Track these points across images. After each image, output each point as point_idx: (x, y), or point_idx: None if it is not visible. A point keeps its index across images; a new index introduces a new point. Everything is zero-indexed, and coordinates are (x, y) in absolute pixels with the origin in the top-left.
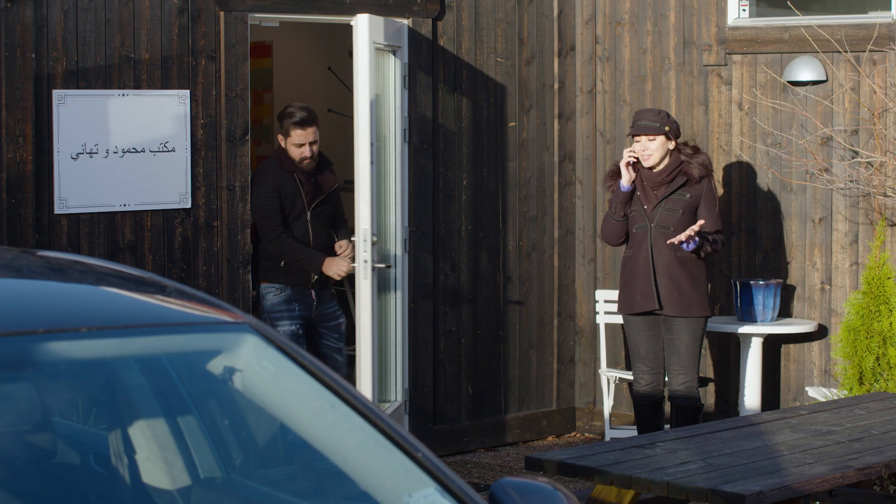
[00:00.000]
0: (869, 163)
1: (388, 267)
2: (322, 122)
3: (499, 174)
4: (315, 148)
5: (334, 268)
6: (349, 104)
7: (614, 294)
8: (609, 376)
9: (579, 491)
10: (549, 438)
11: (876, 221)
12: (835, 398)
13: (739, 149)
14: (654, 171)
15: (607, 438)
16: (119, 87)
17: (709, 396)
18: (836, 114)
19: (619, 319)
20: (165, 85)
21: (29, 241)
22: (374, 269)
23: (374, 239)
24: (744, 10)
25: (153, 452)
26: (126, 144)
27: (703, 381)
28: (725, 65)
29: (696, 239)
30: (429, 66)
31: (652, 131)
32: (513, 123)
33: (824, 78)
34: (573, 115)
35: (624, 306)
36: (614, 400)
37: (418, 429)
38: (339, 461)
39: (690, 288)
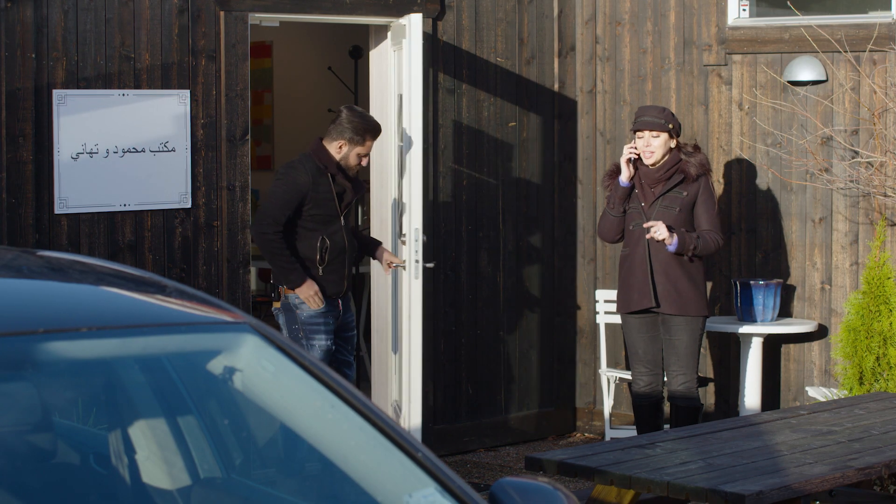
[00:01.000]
0: (869, 163)
1: (432, 266)
2: (322, 121)
3: (499, 174)
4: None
5: (312, 299)
6: (349, 104)
7: (614, 294)
8: (609, 376)
9: (579, 491)
10: (549, 438)
11: (876, 221)
12: (835, 398)
13: (739, 149)
14: (652, 168)
15: (607, 438)
16: (119, 87)
17: (709, 396)
18: (836, 114)
19: (619, 319)
20: (165, 85)
21: (29, 241)
22: (424, 268)
23: (425, 238)
24: (744, 10)
25: (153, 452)
26: (126, 144)
27: (703, 381)
28: (725, 65)
29: (674, 238)
30: (429, 66)
31: (656, 127)
32: (513, 123)
33: (824, 78)
34: (573, 115)
35: (622, 305)
36: (614, 400)
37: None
38: (339, 461)
39: (688, 286)
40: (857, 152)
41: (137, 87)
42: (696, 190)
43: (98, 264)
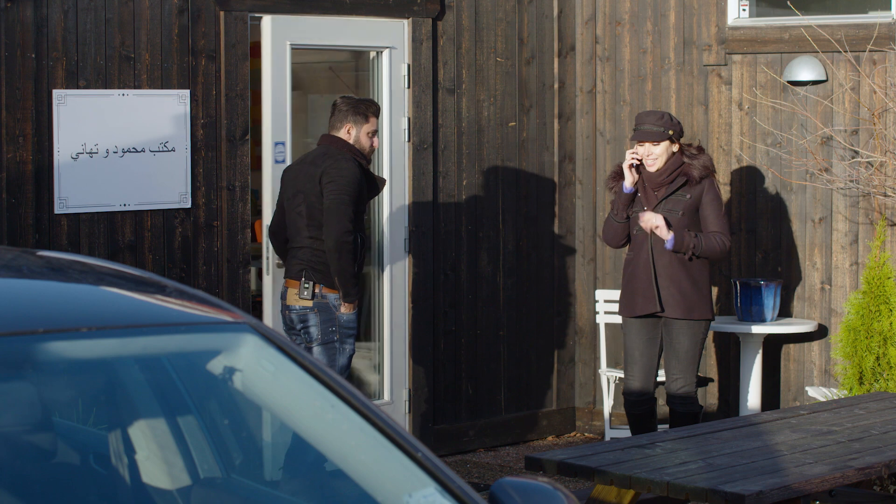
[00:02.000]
0: (869, 163)
1: None
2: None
3: (499, 174)
4: None
5: (351, 310)
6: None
7: (614, 294)
8: (609, 376)
9: (579, 491)
10: (549, 438)
11: (876, 221)
12: (835, 398)
13: (739, 149)
14: (655, 171)
15: (607, 438)
16: (119, 87)
17: (709, 396)
18: (836, 114)
19: (619, 319)
20: (165, 85)
21: (29, 241)
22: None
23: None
24: (744, 10)
25: (153, 452)
26: (126, 144)
27: (704, 381)
28: (725, 65)
29: (671, 234)
30: (429, 66)
31: (655, 137)
32: (513, 123)
33: (824, 78)
34: (573, 115)
35: (625, 309)
36: (614, 400)
37: (418, 429)
38: (339, 461)
39: (692, 290)
40: (857, 152)
41: (137, 87)
42: (701, 192)
43: (98, 264)
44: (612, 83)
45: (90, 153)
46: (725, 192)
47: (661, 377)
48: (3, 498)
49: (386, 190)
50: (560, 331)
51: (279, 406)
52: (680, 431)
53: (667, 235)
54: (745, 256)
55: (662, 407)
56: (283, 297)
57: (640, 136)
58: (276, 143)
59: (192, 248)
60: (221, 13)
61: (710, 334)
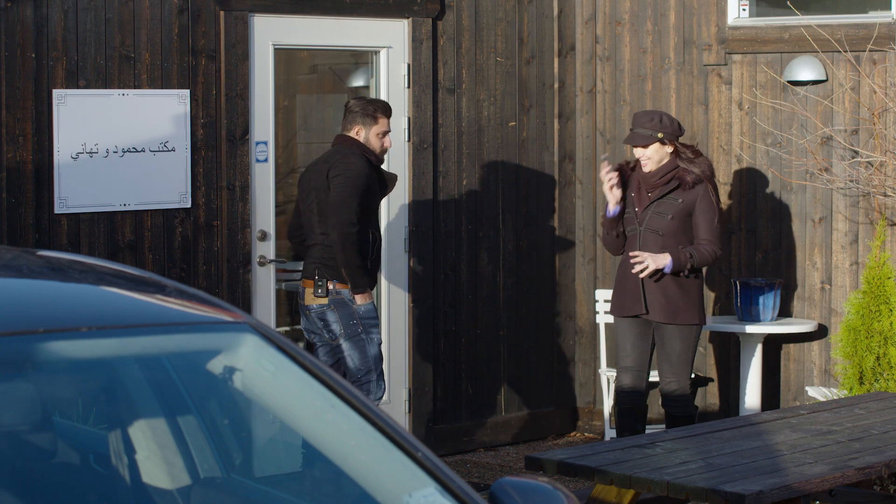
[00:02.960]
0: (869, 162)
1: None
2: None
3: (499, 174)
4: None
5: (366, 300)
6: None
7: None
8: (609, 376)
9: (579, 491)
10: (549, 438)
11: (876, 221)
12: (835, 398)
13: (739, 148)
14: (648, 172)
15: (607, 438)
16: (119, 87)
17: (709, 396)
18: (836, 113)
19: None
20: (165, 85)
21: (29, 241)
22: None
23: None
24: (744, 9)
25: (153, 452)
26: (126, 144)
27: (704, 381)
28: (725, 64)
29: (668, 260)
30: (429, 66)
31: (643, 141)
32: (513, 123)
33: (824, 78)
34: (573, 115)
35: (615, 308)
36: (614, 400)
37: (418, 429)
38: (339, 461)
39: (679, 295)
40: (857, 152)
41: (137, 86)
42: (694, 199)
43: (98, 264)
44: (612, 83)
45: (90, 153)
46: (725, 193)
47: (655, 377)
48: (3, 497)
49: None
50: (560, 331)
51: (279, 406)
52: (680, 431)
53: (663, 263)
54: (745, 256)
55: (659, 408)
56: (301, 297)
57: (629, 140)
58: (258, 143)
59: (192, 247)
60: (221, 13)
61: (709, 334)
